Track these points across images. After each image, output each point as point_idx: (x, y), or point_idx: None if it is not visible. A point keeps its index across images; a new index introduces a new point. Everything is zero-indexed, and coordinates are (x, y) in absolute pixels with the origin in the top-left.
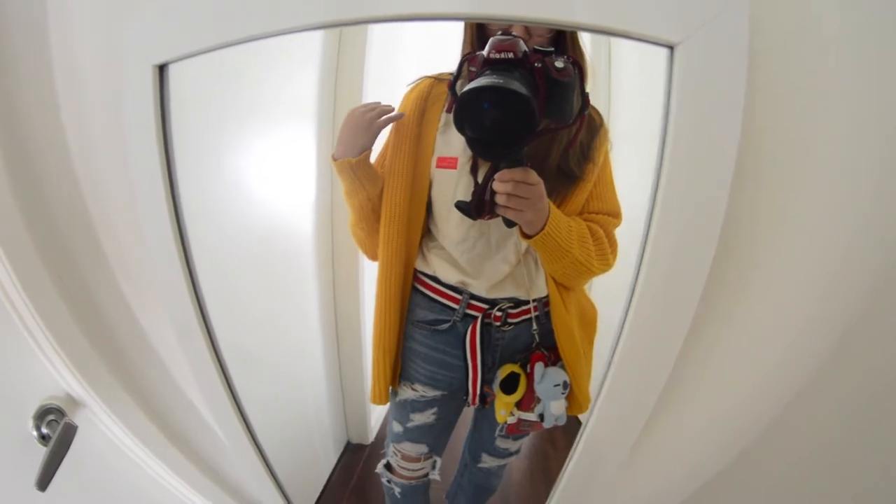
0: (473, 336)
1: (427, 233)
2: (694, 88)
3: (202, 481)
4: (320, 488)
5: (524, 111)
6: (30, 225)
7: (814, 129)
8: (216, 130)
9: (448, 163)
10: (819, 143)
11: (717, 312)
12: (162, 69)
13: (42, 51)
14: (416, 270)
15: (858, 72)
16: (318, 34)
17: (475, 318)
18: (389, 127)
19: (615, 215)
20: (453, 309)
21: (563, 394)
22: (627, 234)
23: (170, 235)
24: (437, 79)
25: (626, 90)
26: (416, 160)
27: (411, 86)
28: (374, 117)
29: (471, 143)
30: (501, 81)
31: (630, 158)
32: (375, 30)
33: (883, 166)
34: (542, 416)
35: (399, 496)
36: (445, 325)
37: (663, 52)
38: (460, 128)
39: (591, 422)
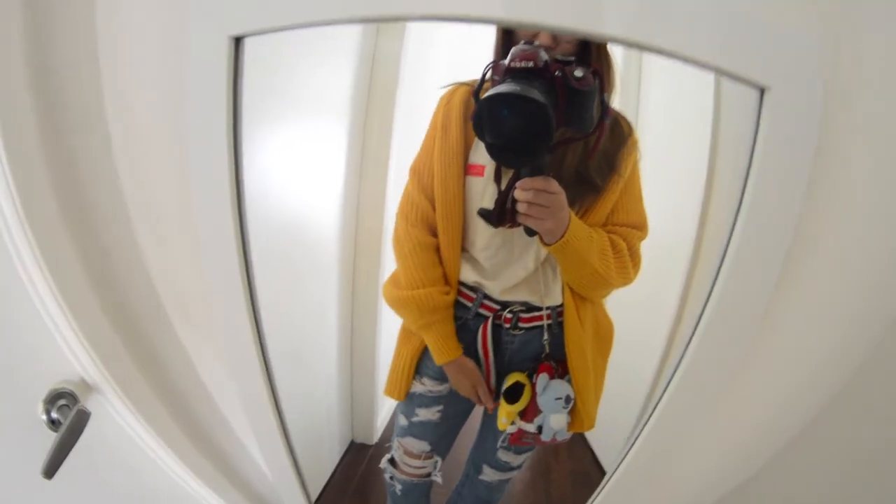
0: (485, 333)
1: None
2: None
3: (216, 478)
4: (322, 486)
5: (541, 118)
6: (59, 197)
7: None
8: (250, 119)
9: (476, 170)
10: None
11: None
12: (238, 41)
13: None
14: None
15: None
16: (356, 33)
17: (486, 317)
18: (434, 126)
19: (640, 228)
20: (467, 307)
21: (564, 408)
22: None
23: (230, 220)
24: (472, 86)
25: (654, 103)
26: (458, 167)
27: (445, 90)
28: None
29: (490, 149)
30: (519, 89)
31: (656, 171)
32: (411, 28)
33: None
34: (540, 429)
35: (400, 494)
36: (458, 322)
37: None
38: (480, 134)
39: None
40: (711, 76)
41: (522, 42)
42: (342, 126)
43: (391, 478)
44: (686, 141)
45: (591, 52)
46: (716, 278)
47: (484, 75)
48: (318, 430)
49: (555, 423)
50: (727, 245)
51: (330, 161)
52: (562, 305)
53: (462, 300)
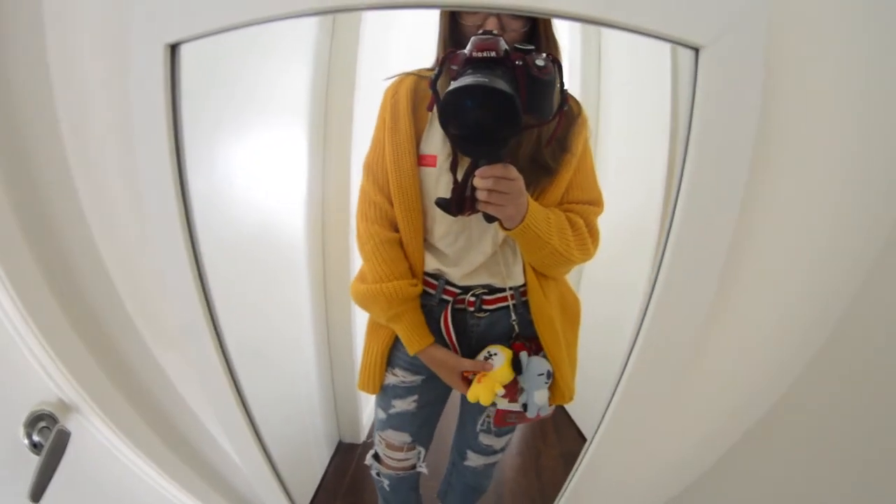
0: (446, 318)
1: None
2: (717, 90)
3: (199, 485)
4: (314, 489)
5: (509, 109)
6: (19, 215)
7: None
8: (208, 125)
9: (428, 160)
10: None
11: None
12: (174, 49)
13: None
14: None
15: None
16: (311, 30)
17: (447, 302)
18: (381, 119)
19: (596, 204)
20: (430, 295)
21: (546, 383)
22: (617, 223)
23: (178, 229)
24: (419, 76)
25: (616, 83)
26: (411, 159)
27: (391, 81)
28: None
29: (455, 140)
30: (486, 80)
31: (620, 150)
32: (367, 26)
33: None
34: (525, 406)
35: (388, 489)
36: (423, 310)
37: (657, 48)
38: (445, 126)
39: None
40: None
41: (480, 31)
42: (302, 124)
43: (378, 474)
44: (649, 119)
45: (539, 37)
46: (664, 247)
47: (442, 65)
48: (303, 433)
49: (539, 398)
50: (673, 212)
51: (292, 160)
52: (524, 285)
53: (425, 288)
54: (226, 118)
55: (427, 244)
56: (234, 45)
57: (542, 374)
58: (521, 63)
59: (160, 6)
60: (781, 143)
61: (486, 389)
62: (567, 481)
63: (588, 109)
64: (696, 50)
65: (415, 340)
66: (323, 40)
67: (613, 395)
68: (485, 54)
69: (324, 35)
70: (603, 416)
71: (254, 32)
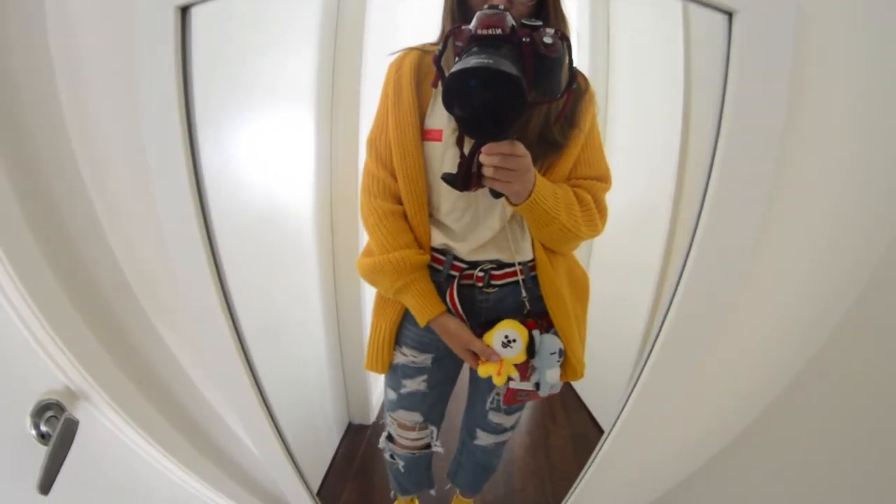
0: (452, 293)
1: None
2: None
3: (212, 471)
4: (324, 471)
5: (514, 91)
6: (22, 201)
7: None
8: (215, 108)
9: (434, 135)
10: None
11: None
12: (185, 11)
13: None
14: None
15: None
16: (316, 11)
17: (455, 277)
18: (385, 94)
19: (604, 180)
20: (438, 270)
21: (558, 361)
22: (629, 202)
23: (191, 208)
24: (423, 51)
25: (625, 58)
26: (415, 134)
27: (395, 56)
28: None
29: (460, 121)
30: (491, 62)
31: (631, 127)
32: (373, 10)
33: None
34: (537, 385)
35: (403, 470)
36: None
37: (667, 21)
38: (449, 107)
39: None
40: (679, 24)
41: (486, 6)
42: (309, 105)
43: (392, 456)
44: (660, 95)
45: (548, 12)
46: (700, 211)
47: (446, 41)
48: (313, 415)
49: (551, 377)
50: (708, 179)
51: (300, 142)
52: (533, 260)
53: (433, 264)
54: (233, 101)
55: (433, 220)
56: (243, 30)
57: (555, 353)
58: (528, 40)
59: None
60: (810, 118)
61: (501, 370)
62: (583, 471)
63: (597, 85)
64: (730, 14)
65: (426, 309)
66: (328, 21)
67: (632, 390)
68: (490, 31)
69: (329, 16)
70: (621, 410)
71: (261, 18)
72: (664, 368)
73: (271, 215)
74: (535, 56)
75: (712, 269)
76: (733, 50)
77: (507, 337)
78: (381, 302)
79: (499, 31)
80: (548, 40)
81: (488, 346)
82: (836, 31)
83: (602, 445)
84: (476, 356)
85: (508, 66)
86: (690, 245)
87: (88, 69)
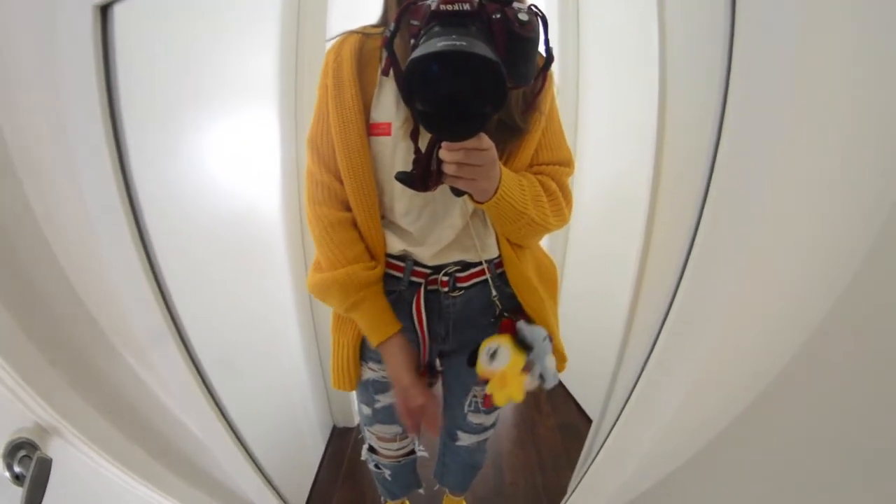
0: (419, 304)
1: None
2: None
3: (193, 493)
4: (312, 477)
5: (492, 80)
6: None
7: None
8: (173, 112)
9: (381, 129)
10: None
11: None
12: (104, 10)
13: None
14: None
15: None
16: (277, 12)
17: (420, 284)
18: (323, 86)
19: (567, 164)
20: (398, 279)
21: (550, 346)
22: (604, 187)
23: (124, 224)
24: (364, 34)
25: (596, 37)
26: (358, 129)
27: (333, 42)
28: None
29: (423, 117)
30: (464, 44)
31: (600, 101)
32: (334, 7)
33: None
34: (542, 377)
35: (390, 478)
36: (392, 297)
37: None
38: (408, 100)
39: None
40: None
41: None
42: (273, 112)
43: (377, 466)
44: (633, 77)
45: None
46: (702, 204)
47: (399, 20)
48: (295, 421)
49: (550, 363)
50: (712, 165)
51: (265, 143)
52: (499, 257)
53: (391, 272)
54: (191, 105)
55: (387, 223)
56: (204, 31)
57: (546, 339)
58: (498, 17)
59: None
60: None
61: (514, 387)
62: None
63: (567, 68)
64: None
65: (379, 328)
66: (290, 18)
67: (634, 386)
68: (455, 7)
69: (290, 15)
70: (622, 409)
71: (222, 18)
72: (666, 364)
73: (241, 218)
74: (508, 35)
75: (714, 266)
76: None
77: (488, 351)
78: (337, 318)
79: (466, 7)
80: (523, 17)
81: (420, 388)
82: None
83: (597, 440)
84: (409, 412)
85: (483, 49)
86: (692, 242)
87: (17, 71)
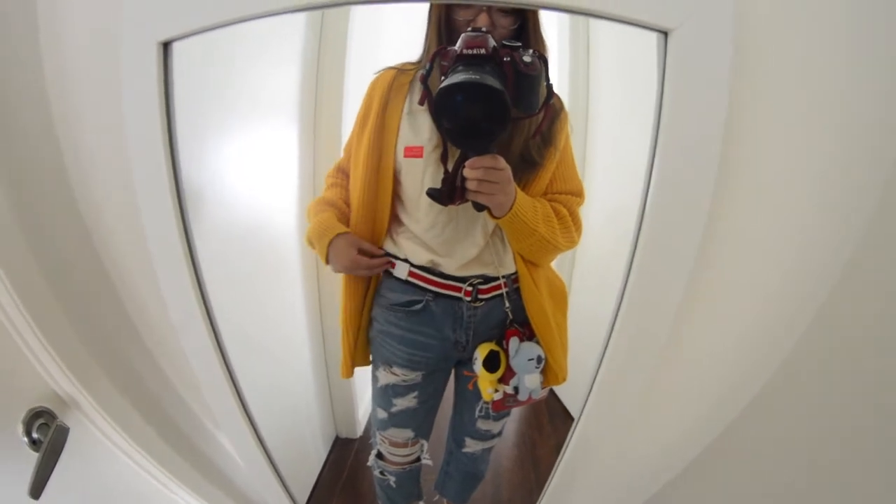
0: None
1: (395, 219)
2: (686, 72)
3: (198, 480)
4: (312, 484)
5: (498, 104)
6: (18, 215)
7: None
8: (199, 124)
9: (415, 151)
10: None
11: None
12: (166, 46)
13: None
14: (386, 255)
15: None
16: (300, 28)
17: (446, 296)
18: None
19: (578, 194)
20: (425, 289)
21: (537, 368)
22: (608, 217)
23: (173, 223)
24: (400, 69)
25: (605, 79)
26: (381, 150)
27: (376, 75)
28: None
29: (448, 133)
30: (478, 77)
31: (609, 145)
32: (355, 25)
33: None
34: (516, 389)
35: (395, 486)
36: (419, 306)
37: (644, 38)
38: (438, 120)
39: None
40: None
41: (470, 29)
42: (293, 122)
43: (382, 472)
44: (637, 115)
45: (528, 35)
46: (638, 231)
47: (433, 61)
48: (299, 428)
49: (529, 382)
50: (645, 198)
51: (283, 158)
52: (516, 273)
53: (418, 282)
54: (217, 118)
55: (411, 235)
56: (226, 45)
57: (533, 360)
58: (508, 59)
59: (152, 5)
60: (749, 131)
61: (483, 388)
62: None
63: (577, 105)
64: (665, 34)
65: (326, 232)
66: (312, 38)
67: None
68: (475, 51)
69: (312, 32)
70: (584, 405)
71: (243, 33)
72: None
73: (257, 229)
74: (515, 73)
75: (657, 271)
76: (669, 69)
77: (475, 355)
78: (344, 311)
79: (482, 51)
80: (527, 59)
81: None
82: (772, 50)
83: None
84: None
85: (493, 81)
86: (636, 241)
87: (81, 92)
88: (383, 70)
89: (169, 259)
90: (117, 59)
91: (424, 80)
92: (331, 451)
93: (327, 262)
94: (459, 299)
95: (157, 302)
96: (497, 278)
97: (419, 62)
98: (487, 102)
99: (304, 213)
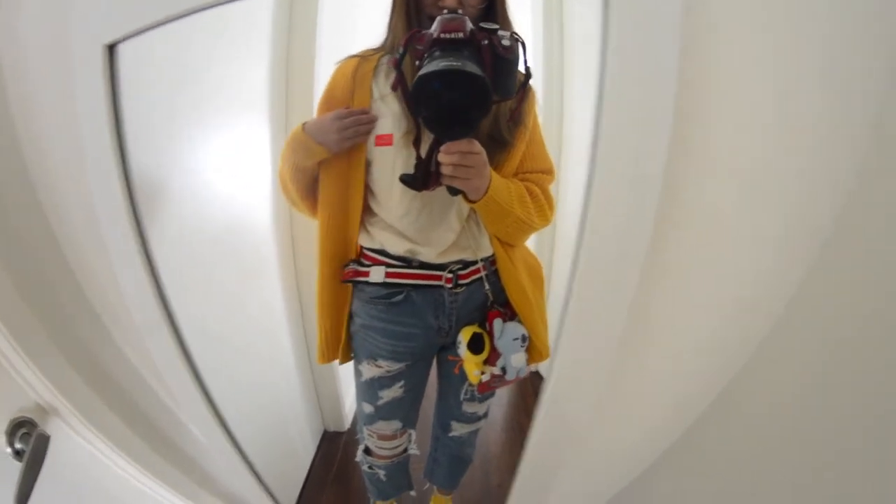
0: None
1: (367, 209)
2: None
3: (184, 482)
4: (302, 479)
5: (480, 91)
6: None
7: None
8: (170, 124)
9: (385, 140)
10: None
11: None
12: (111, 49)
13: None
14: (362, 248)
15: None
16: (268, 23)
17: (426, 286)
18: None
19: (548, 172)
20: (405, 278)
21: (522, 346)
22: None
23: (127, 225)
24: (363, 57)
25: (578, 57)
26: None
27: (338, 64)
28: (347, 126)
29: (426, 121)
30: (459, 64)
31: (583, 121)
32: (324, 19)
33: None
34: (504, 370)
35: (385, 479)
36: (399, 297)
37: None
38: (416, 108)
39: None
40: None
41: (445, 11)
42: (264, 123)
43: (371, 467)
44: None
45: (497, 16)
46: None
47: (406, 45)
48: (286, 425)
49: (515, 361)
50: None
51: (257, 153)
52: (493, 255)
53: (396, 281)
54: (189, 116)
55: (386, 225)
56: (193, 42)
57: (518, 339)
58: (486, 42)
59: (96, 8)
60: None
61: (469, 371)
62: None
63: (552, 86)
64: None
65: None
66: (280, 33)
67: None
68: (452, 35)
69: (281, 28)
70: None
71: (211, 27)
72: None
73: (233, 227)
74: (494, 57)
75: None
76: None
77: (458, 339)
78: (320, 302)
79: (460, 35)
80: (506, 42)
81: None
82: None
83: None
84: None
85: (474, 68)
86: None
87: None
88: (345, 59)
89: (127, 262)
90: (67, 61)
91: (398, 64)
92: (319, 446)
93: (309, 140)
94: (440, 287)
95: (126, 306)
96: (475, 262)
97: (382, 48)
98: (468, 89)
99: (279, 208)
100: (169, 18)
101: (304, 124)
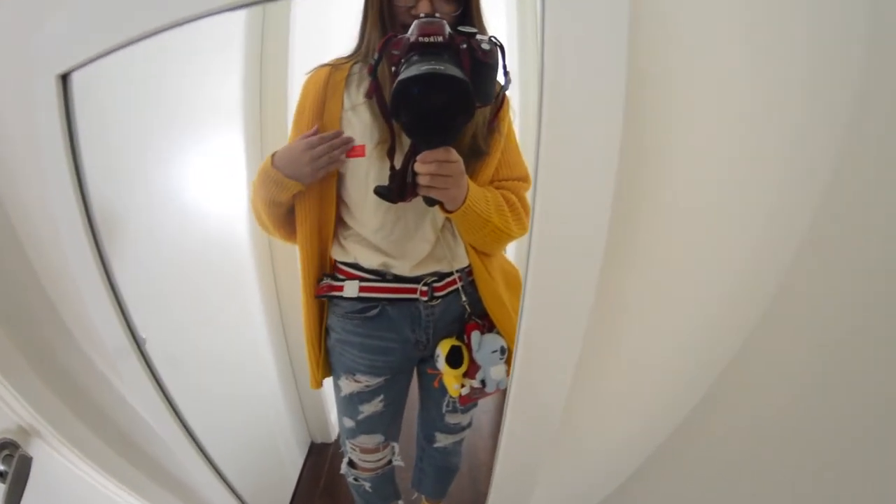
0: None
1: (340, 222)
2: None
3: (165, 498)
4: (290, 492)
5: (463, 95)
6: None
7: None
8: (142, 140)
9: (357, 151)
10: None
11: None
12: (65, 79)
13: None
14: (336, 262)
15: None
16: (240, 34)
17: (401, 299)
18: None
19: (524, 179)
20: (379, 293)
21: (501, 359)
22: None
23: (87, 250)
24: (334, 66)
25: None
26: None
27: (308, 74)
28: (319, 154)
29: (406, 128)
30: (441, 67)
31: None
32: (297, 27)
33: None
34: (483, 382)
35: (371, 490)
36: (374, 311)
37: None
38: (396, 115)
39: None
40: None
41: (423, 15)
42: (238, 136)
43: (356, 479)
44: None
45: (471, 21)
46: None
47: (381, 51)
48: (272, 438)
49: (495, 374)
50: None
51: (233, 172)
52: (469, 266)
53: (370, 295)
54: (158, 133)
55: (360, 239)
56: (161, 57)
57: (496, 351)
58: (465, 46)
59: (49, 39)
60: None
61: (448, 385)
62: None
63: (529, 95)
64: None
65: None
66: (253, 45)
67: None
68: (431, 39)
69: (254, 39)
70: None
71: (181, 42)
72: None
73: (211, 241)
74: (473, 62)
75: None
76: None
77: (437, 352)
78: (305, 324)
79: (439, 39)
80: (485, 46)
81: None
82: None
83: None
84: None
85: (455, 71)
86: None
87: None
88: (315, 69)
89: (91, 289)
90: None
91: (373, 71)
92: (307, 458)
93: (280, 175)
94: (416, 300)
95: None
96: (451, 273)
97: (353, 56)
98: (450, 94)
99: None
100: (122, 44)
101: (273, 156)
